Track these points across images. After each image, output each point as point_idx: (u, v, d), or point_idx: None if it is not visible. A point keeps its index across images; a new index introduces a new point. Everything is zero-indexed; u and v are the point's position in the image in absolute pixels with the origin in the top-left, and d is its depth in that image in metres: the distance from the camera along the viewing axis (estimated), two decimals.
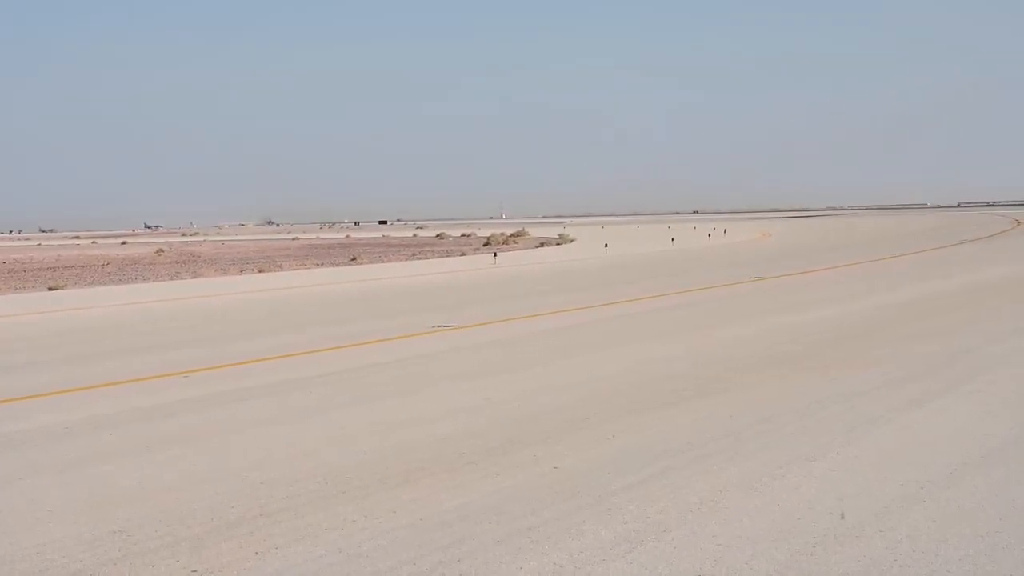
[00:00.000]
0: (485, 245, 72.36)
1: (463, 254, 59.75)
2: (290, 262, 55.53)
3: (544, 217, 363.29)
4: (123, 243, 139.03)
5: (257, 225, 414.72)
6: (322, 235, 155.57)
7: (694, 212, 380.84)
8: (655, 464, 8.82)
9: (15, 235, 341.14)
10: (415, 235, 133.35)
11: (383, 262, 53.41)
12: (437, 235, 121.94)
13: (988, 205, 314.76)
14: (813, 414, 10.70)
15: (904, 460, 8.66)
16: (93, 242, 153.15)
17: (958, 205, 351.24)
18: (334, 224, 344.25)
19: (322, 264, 52.26)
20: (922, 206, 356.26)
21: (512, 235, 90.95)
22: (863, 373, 13.12)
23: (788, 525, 7.05)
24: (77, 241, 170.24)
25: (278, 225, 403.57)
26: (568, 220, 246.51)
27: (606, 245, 63.07)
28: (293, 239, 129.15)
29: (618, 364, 14.96)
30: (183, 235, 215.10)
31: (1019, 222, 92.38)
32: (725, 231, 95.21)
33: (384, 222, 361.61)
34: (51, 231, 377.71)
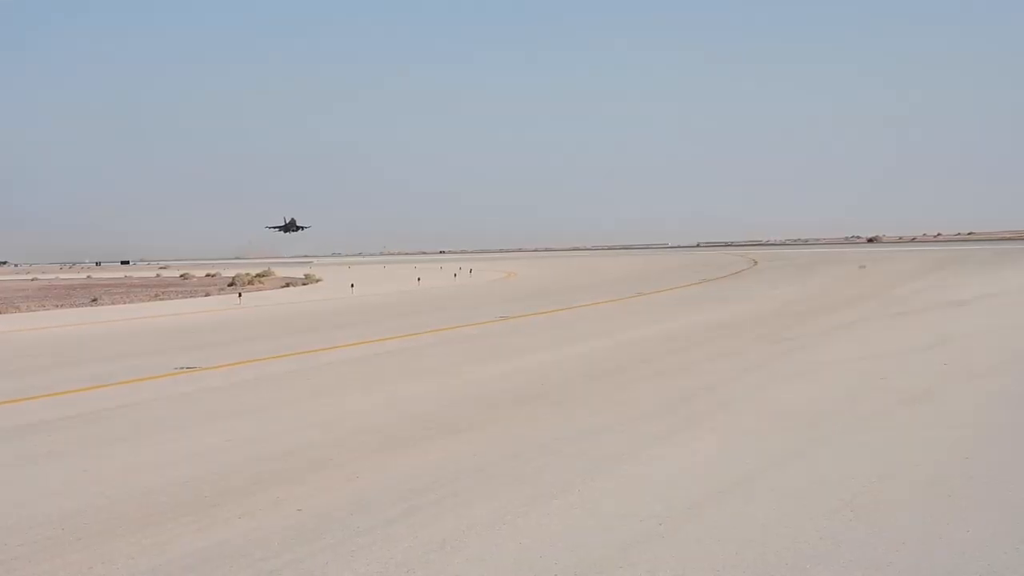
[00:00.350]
0: (230, 285, 70.89)
1: (208, 294, 58.33)
2: (28, 303, 52.89)
3: (292, 257, 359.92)
4: None
5: None
6: (62, 275, 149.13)
7: (440, 252, 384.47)
8: (400, 504, 8.79)
9: None
10: (158, 275, 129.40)
11: (125, 303, 51.56)
12: (181, 275, 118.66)
13: (726, 245, 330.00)
14: (558, 451, 10.85)
15: (646, 495, 8.87)
16: None
17: (697, 245, 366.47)
18: (75, 264, 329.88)
19: (62, 305, 50.00)
20: (663, 245, 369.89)
21: (257, 275, 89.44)
22: (609, 410, 13.42)
23: (532, 563, 7.12)
24: None
25: (16, 265, 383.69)
26: (314, 260, 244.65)
27: (352, 285, 62.90)
28: (32, 279, 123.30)
29: (367, 402, 14.90)
30: None
31: (756, 262, 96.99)
32: (471, 271, 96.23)
33: (126, 262, 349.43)
34: None
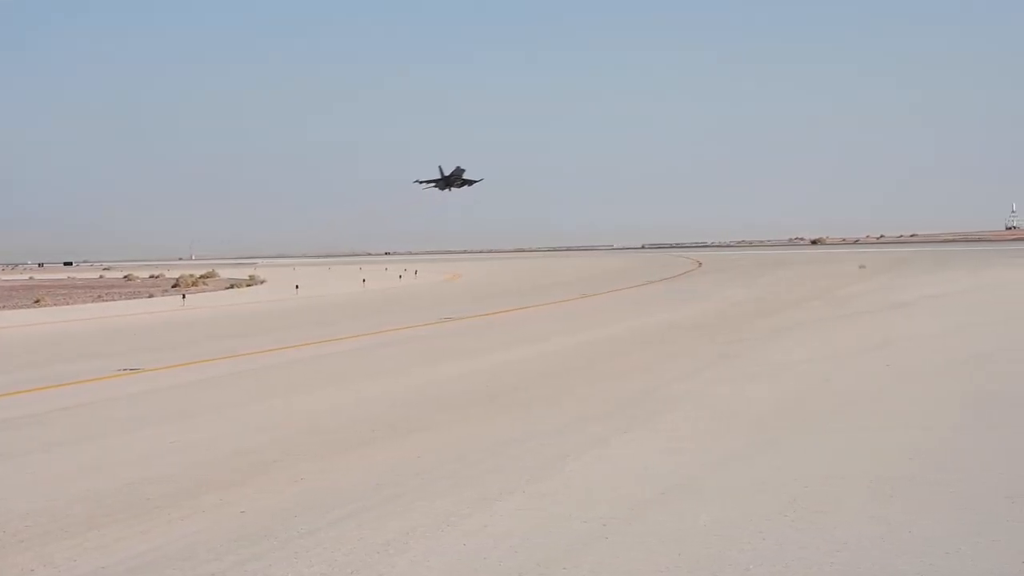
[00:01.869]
0: (174, 287, 70.28)
1: (151, 296, 57.80)
2: None
3: (236, 258, 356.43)
4: None
5: None
6: (3, 277, 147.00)
7: (385, 253, 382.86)
8: (344, 506, 8.79)
9: None
10: (102, 276, 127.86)
11: (68, 304, 50.91)
12: (125, 276, 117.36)
13: (670, 247, 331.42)
14: (503, 453, 10.89)
15: (589, 497, 8.92)
16: None
17: (642, 247, 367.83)
18: (16, 266, 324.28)
19: (4, 307, 49.25)
20: (608, 247, 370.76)
21: (202, 276, 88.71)
22: (555, 412, 13.48)
23: (476, 564, 7.15)
24: None
25: None
26: (260, 261, 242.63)
27: (297, 287, 62.66)
28: None
29: (313, 404, 14.87)
30: None
31: (700, 264, 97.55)
32: (416, 272, 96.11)
33: (69, 263, 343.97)
34: None
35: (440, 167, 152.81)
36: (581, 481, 9.55)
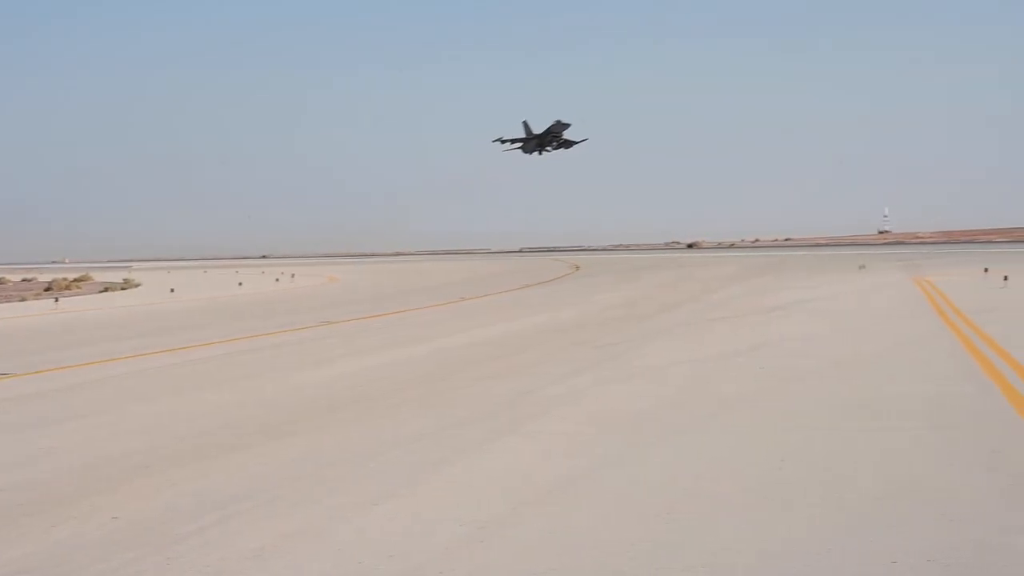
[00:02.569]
0: (47, 290, 68.59)
1: (23, 299, 56.34)
2: None
3: (109, 261, 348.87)
4: None
5: None
6: None
7: (263, 257, 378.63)
8: (217, 511, 8.70)
9: None
10: None
11: None
12: None
13: (548, 250, 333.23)
14: (379, 457, 10.87)
15: (466, 500, 8.95)
16: None
17: (520, 250, 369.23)
18: None
19: None
20: (486, 251, 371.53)
21: (75, 280, 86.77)
22: (432, 415, 13.49)
23: (351, 569, 7.13)
24: None
25: None
26: (134, 264, 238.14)
27: (172, 290, 61.74)
28: None
29: (186, 409, 14.70)
30: None
31: (578, 267, 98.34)
32: (293, 276, 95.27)
33: None
34: None
35: (525, 123, 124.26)
36: (457, 485, 9.57)
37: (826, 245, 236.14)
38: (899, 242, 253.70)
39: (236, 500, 9.11)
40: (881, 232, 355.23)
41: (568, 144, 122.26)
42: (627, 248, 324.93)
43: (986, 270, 51.15)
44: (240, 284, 72.80)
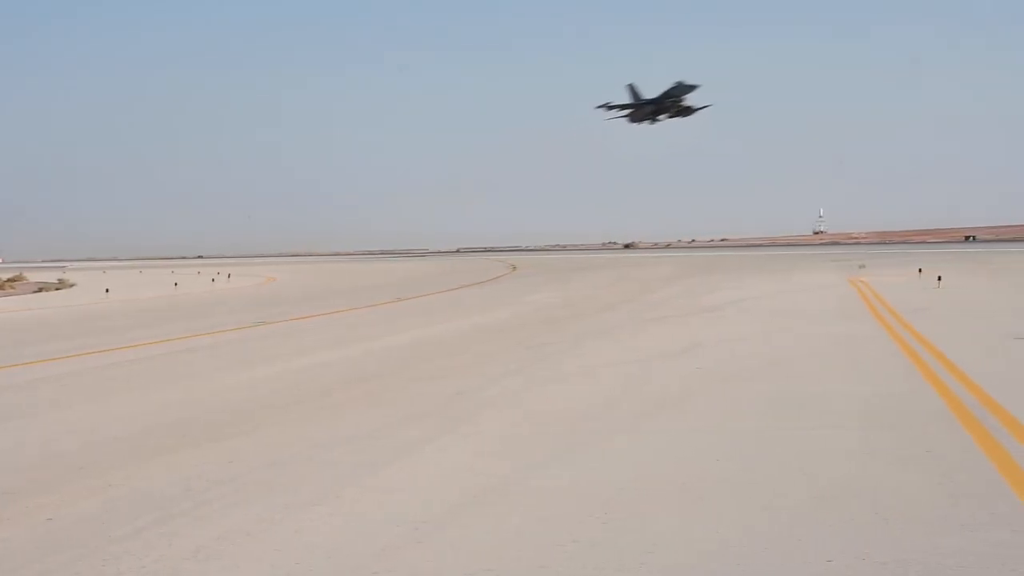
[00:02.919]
0: None
1: None
2: None
3: (43, 261, 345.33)
4: None
5: None
6: None
7: (198, 257, 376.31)
8: (153, 512, 8.70)
9: None
10: None
11: None
12: None
13: (485, 251, 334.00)
14: (315, 458, 10.86)
15: (403, 501, 8.99)
16: None
17: (457, 250, 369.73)
18: None
19: None
20: (423, 251, 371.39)
21: (9, 280, 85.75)
22: (367, 416, 13.48)
23: (288, 570, 7.16)
24: None
25: None
26: (69, 264, 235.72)
27: (107, 290, 61.15)
28: None
29: (122, 410, 14.57)
30: None
31: (515, 267, 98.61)
32: (229, 276, 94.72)
33: None
34: None
35: (632, 87, 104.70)
36: (394, 485, 9.59)
37: (762, 245, 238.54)
38: (834, 242, 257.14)
39: (172, 501, 9.09)
40: (816, 232, 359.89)
41: (688, 111, 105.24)
42: (564, 249, 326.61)
43: (920, 271, 51.92)
44: (176, 284, 72.34)
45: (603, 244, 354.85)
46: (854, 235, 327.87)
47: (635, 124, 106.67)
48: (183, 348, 23.85)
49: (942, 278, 43.30)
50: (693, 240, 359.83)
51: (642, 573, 6.99)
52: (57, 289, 72.23)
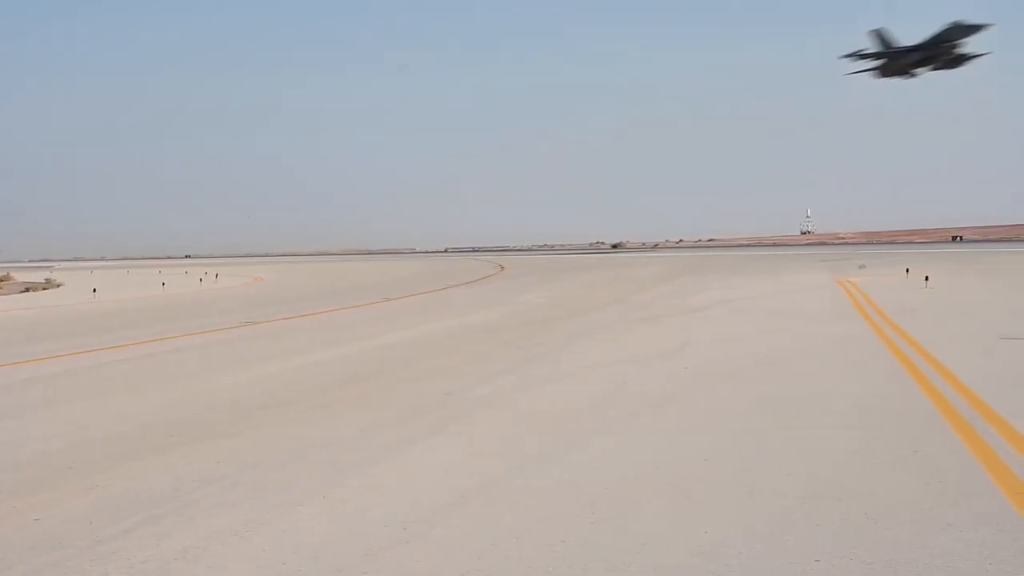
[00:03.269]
0: None
1: None
2: None
3: (30, 261, 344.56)
4: None
5: None
6: None
7: (186, 256, 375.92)
8: (141, 512, 8.69)
9: None
10: None
11: None
12: None
13: (473, 250, 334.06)
14: (305, 458, 10.86)
15: (392, 500, 8.99)
16: None
17: (445, 250, 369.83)
18: None
19: None
20: (412, 251, 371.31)
21: None
22: (358, 416, 13.48)
23: (275, 570, 7.16)
24: None
25: None
26: (56, 264, 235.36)
27: (95, 290, 61.03)
28: None
29: (110, 410, 14.51)
30: None
31: (503, 267, 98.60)
32: (217, 276, 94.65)
33: None
34: None
35: (880, 32, 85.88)
36: (383, 485, 9.60)
37: (749, 246, 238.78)
38: (822, 243, 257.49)
39: (160, 501, 9.08)
40: (804, 232, 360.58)
41: (960, 61, 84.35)
42: (552, 249, 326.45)
43: (907, 271, 52.02)
44: (163, 285, 72.29)
45: (591, 244, 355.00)
46: (841, 235, 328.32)
47: (884, 79, 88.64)
48: (173, 348, 23.78)
49: (929, 278, 43.36)
50: (680, 240, 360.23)
51: (631, 572, 7.00)
52: (44, 289, 72.17)
